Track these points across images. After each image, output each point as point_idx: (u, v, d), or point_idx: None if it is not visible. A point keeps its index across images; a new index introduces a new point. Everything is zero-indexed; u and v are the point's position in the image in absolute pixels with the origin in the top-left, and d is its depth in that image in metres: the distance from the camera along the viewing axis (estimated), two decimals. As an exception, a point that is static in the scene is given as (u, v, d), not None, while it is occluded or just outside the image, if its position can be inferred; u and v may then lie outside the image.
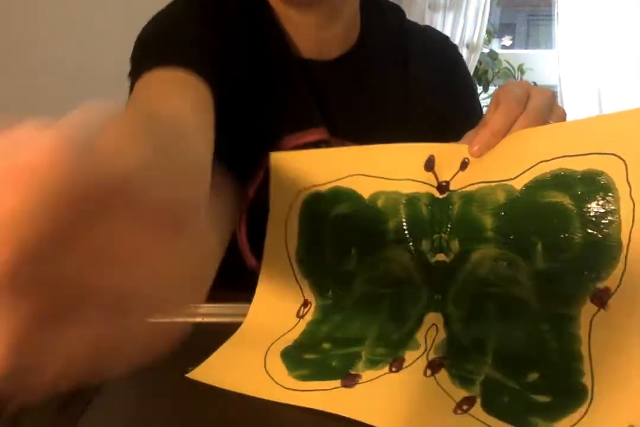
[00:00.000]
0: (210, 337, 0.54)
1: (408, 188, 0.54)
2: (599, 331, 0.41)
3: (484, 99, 2.43)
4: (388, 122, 0.78)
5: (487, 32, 2.47)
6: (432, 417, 0.42)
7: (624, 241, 0.42)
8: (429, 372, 0.46)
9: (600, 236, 0.43)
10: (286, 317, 0.56)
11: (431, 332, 0.49)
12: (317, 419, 0.44)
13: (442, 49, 0.86)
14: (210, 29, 0.68)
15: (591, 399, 0.39)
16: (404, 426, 0.42)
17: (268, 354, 0.52)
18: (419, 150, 0.54)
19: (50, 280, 0.20)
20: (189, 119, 0.49)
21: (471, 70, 2.34)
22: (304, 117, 0.74)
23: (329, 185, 0.57)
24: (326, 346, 0.52)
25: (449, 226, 0.51)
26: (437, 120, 0.79)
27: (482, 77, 2.48)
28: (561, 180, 0.45)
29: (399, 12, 0.85)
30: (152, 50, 0.65)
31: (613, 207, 0.42)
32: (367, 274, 0.55)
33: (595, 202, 0.43)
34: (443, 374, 0.45)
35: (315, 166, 0.58)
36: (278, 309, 0.56)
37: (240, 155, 0.69)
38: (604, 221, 0.43)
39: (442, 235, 0.52)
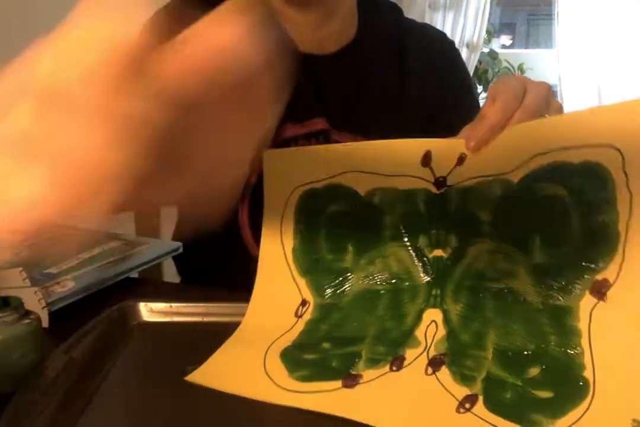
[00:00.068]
0: (210, 337, 0.54)
1: (405, 184, 0.53)
2: (599, 323, 0.41)
3: (484, 99, 2.43)
4: (385, 114, 0.79)
5: (487, 31, 2.46)
6: (435, 417, 0.42)
7: (622, 231, 0.42)
8: (430, 370, 0.46)
9: (597, 227, 0.43)
10: (284, 317, 0.55)
11: (431, 328, 0.49)
12: (318, 420, 0.44)
13: (440, 46, 0.87)
14: None
15: (593, 393, 0.39)
16: (405, 426, 0.42)
17: (267, 355, 0.51)
18: (416, 146, 0.53)
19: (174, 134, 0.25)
20: None
21: (471, 70, 2.34)
22: (304, 108, 0.76)
23: (324, 182, 0.56)
24: (326, 345, 0.51)
25: (446, 221, 0.51)
26: (433, 113, 0.81)
27: (482, 76, 2.47)
28: (558, 173, 0.45)
29: (396, 10, 0.86)
30: None
31: (610, 198, 0.42)
32: (364, 271, 0.54)
33: (592, 194, 0.43)
34: (444, 372, 0.45)
35: (310, 163, 0.57)
36: (276, 309, 0.56)
37: None
38: (601, 213, 0.43)
39: (440, 230, 0.51)
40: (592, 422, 0.38)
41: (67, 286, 0.65)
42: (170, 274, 1.01)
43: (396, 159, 0.54)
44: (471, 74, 2.26)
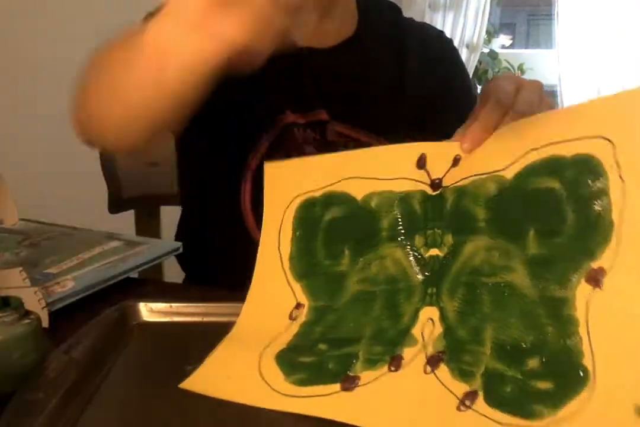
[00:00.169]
0: (210, 337, 0.54)
1: (401, 186, 0.54)
2: (596, 311, 0.41)
3: (484, 99, 2.44)
4: (384, 108, 0.81)
5: (487, 32, 2.46)
6: (436, 417, 0.42)
7: (616, 220, 0.42)
8: (428, 368, 0.46)
9: (591, 217, 0.43)
10: (278, 319, 0.55)
11: (427, 326, 0.48)
12: (317, 423, 0.44)
13: (439, 44, 0.88)
14: None
15: (594, 380, 0.39)
16: None
17: (262, 359, 0.51)
18: (410, 150, 0.54)
19: None
20: None
21: (471, 70, 2.34)
22: (304, 99, 0.78)
23: (322, 191, 0.57)
24: (322, 346, 0.51)
25: (442, 220, 0.52)
26: (432, 110, 0.82)
27: (482, 76, 2.48)
28: (551, 166, 0.46)
29: (396, 10, 0.88)
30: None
31: (603, 188, 0.43)
32: (360, 273, 0.54)
33: (586, 185, 0.44)
34: (443, 369, 0.45)
35: (308, 173, 0.59)
36: (270, 312, 0.56)
37: (244, 129, 0.75)
38: (595, 202, 0.43)
39: (435, 230, 0.52)
40: (594, 409, 0.38)
41: (67, 286, 0.65)
42: (170, 274, 1.01)
43: (391, 163, 0.55)
44: (471, 74, 2.26)
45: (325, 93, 0.79)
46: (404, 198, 0.54)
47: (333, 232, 0.57)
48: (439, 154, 0.53)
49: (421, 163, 0.54)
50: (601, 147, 0.44)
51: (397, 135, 0.81)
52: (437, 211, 0.52)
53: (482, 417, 0.41)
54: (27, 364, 0.47)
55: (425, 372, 0.45)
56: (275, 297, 0.57)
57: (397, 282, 0.52)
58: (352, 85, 0.81)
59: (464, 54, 2.30)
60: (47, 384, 0.45)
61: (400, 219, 0.54)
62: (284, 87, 0.77)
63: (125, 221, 1.09)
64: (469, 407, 0.42)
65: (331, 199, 0.57)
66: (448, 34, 2.33)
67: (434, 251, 0.52)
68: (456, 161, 0.52)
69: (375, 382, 0.46)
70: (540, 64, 2.62)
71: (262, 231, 0.60)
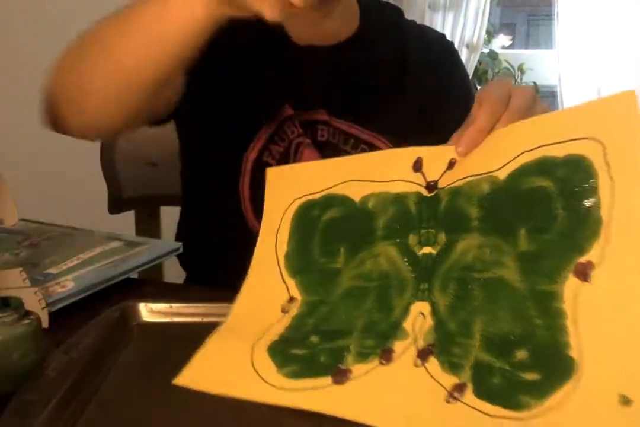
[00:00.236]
0: (210, 337, 0.54)
1: (397, 188, 0.56)
2: (584, 304, 0.43)
3: (484, 99, 2.43)
4: (384, 106, 0.82)
5: (487, 32, 2.46)
6: (425, 409, 0.43)
7: (605, 217, 0.44)
8: (418, 361, 0.46)
9: (581, 214, 0.45)
10: (271, 312, 0.56)
11: (418, 320, 0.49)
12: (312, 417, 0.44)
13: (440, 46, 0.90)
14: None
15: (580, 370, 0.40)
16: (397, 421, 0.43)
17: (254, 351, 0.51)
18: (407, 154, 0.57)
19: None
20: None
21: (471, 71, 2.34)
22: (304, 95, 0.79)
23: (321, 193, 0.59)
24: (314, 339, 0.51)
25: (436, 220, 0.53)
26: (431, 111, 0.84)
27: (482, 77, 2.47)
28: (543, 166, 0.48)
29: (397, 12, 0.90)
30: None
31: (593, 187, 0.45)
32: (354, 270, 0.55)
33: (577, 183, 0.46)
34: (433, 362, 0.46)
35: (309, 177, 0.61)
36: (262, 305, 0.57)
37: (243, 121, 0.77)
38: (585, 200, 0.45)
39: (429, 229, 0.53)
40: (579, 398, 0.39)
41: (67, 286, 0.65)
42: (170, 274, 1.01)
43: (389, 166, 0.57)
44: (471, 74, 2.26)
45: (325, 90, 0.80)
46: (400, 199, 0.55)
47: (330, 232, 0.58)
48: (435, 157, 0.55)
49: (417, 166, 0.56)
50: (592, 148, 0.45)
51: (397, 133, 0.82)
52: (431, 212, 0.53)
53: (471, 409, 0.42)
54: (27, 364, 0.48)
55: (415, 365, 0.46)
56: (268, 291, 0.58)
57: (390, 279, 0.53)
58: (352, 83, 0.82)
59: (464, 54, 2.30)
60: (47, 384, 0.45)
61: (395, 219, 0.55)
62: (284, 82, 0.78)
63: (125, 221, 1.09)
64: (457, 399, 0.43)
65: (330, 201, 0.59)
66: (448, 34, 2.33)
67: (427, 249, 0.53)
68: (451, 164, 0.54)
69: (366, 375, 0.47)
70: (540, 64, 2.62)
71: (260, 231, 0.61)
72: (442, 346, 0.47)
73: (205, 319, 0.59)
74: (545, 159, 0.48)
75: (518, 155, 0.49)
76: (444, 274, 0.50)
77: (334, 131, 0.81)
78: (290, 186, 0.61)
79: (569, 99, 1.99)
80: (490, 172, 0.50)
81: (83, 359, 0.49)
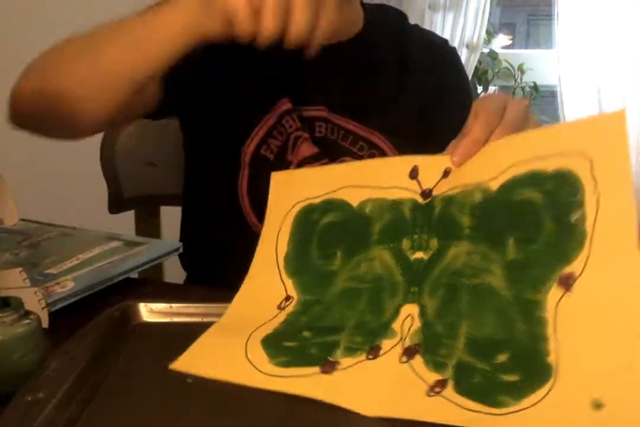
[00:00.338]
0: (210, 337, 0.54)
1: (394, 195, 0.58)
2: (565, 313, 0.45)
3: (484, 99, 2.43)
4: (384, 105, 0.83)
5: (487, 32, 2.46)
6: (406, 401, 0.45)
7: (589, 230, 0.46)
8: (404, 358, 0.49)
9: (567, 226, 0.47)
10: (267, 308, 0.58)
11: (407, 321, 0.51)
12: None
13: (442, 50, 0.91)
14: None
15: (556, 375, 0.42)
16: (379, 410, 0.45)
17: (249, 342, 0.53)
18: (404, 161, 0.59)
19: None
20: None
21: (471, 70, 2.34)
22: (304, 90, 0.80)
23: (321, 198, 0.62)
24: (306, 334, 0.54)
25: (429, 226, 0.55)
26: (430, 112, 0.85)
27: (482, 77, 2.47)
28: (533, 179, 0.50)
29: (401, 15, 0.91)
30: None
31: (580, 201, 0.47)
32: (349, 273, 0.57)
33: (564, 197, 0.48)
34: (418, 360, 0.48)
35: (311, 182, 0.63)
36: (260, 302, 0.59)
37: (242, 114, 0.79)
38: (571, 213, 0.47)
39: (422, 235, 0.55)
40: (553, 400, 0.41)
41: (67, 286, 0.65)
42: (170, 274, 1.01)
43: (387, 173, 0.60)
44: (471, 74, 2.26)
45: (325, 87, 0.81)
46: (396, 205, 0.58)
47: (328, 235, 0.60)
48: (431, 166, 0.57)
49: (414, 174, 0.58)
50: (580, 164, 0.48)
51: (396, 132, 0.83)
52: (425, 218, 0.56)
53: (450, 402, 0.44)
54: (27, 364, 0.48)
55: (400, 361, 0.49)
56: (266, 289, 0.60)
57: (383, 281, 0.55)
58: (352, 80, 0.83)
59: (464, 54, 2.30)
60: (47, 384, 0.45)
61: (390, 224, 0.57)
62: (284, 78, 0.80)
63: (125, 221, 1.09)
64: (438, 393, 0.45)
65: (329, 206, 0.61)
66: (448, 34, 2.33)
67: (419, 254, 0.55)
68: (446, 173, 0.56)
69: (352, 367, 0.49)
70: (540, 64, 2.62)
71: (262, 232, 0.63)
72: (427, 346, 0.49)
73: (205, 319, 0.59)
74: (535, 173, 0.50)
75: (510, 168, 0.52)
76: (434, 279, 0.53)
77: (332, 127, 0.82)
78: (293, 190, 0.64)
79: (568, 99, 1.99)
80: (482, 182, 0.53)
81: (83, 359, 0.49)
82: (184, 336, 0.56)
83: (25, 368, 0.47)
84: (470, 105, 0.60)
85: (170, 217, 1.09)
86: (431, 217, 0.55)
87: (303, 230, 0.61)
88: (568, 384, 0.41)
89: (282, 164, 0.80)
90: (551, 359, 0.43)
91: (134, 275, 0.73)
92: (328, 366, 0.49)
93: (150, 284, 0.76)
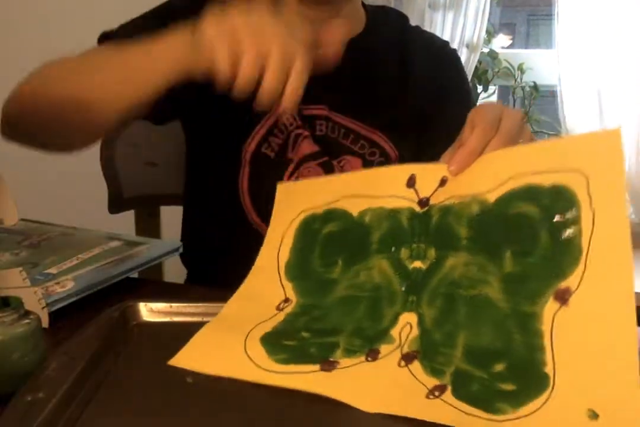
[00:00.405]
0: (210, 337, 0.54)
1: (391, 203, 0.59)
2: (561, 326, 0.45)
3: (484, 99, 2.43)
4: (384, 104, 0.84)
5: (487, 32, 2.46)
6: (406, 400, 0.45)
7: (585, 246, 0.47)
8: (402, 363, 0.49)
9: (563, 242, 0.48)
10: (265, 308, 0.58)
11: (405, 329, 0.52)
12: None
13: (442, 51, 0.92)
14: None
15: (553, 386, 0.43)
16: (380, 407, 0.45)
17: (248, 339, 0.54)
18: (402, 170, 0.60)
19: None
20: None
21: (471, 70, 2.34)
22: (304, 91, 0.78)
23: (324, 208, 0.63)
24: (305, 334, 0.54)
25: (427, 236, 0.56)
26: (430, 113, 0.85)
27: (482, 76, 2.47)
28: (530, 194, 0.51)
29: (403, 17, 0.92)
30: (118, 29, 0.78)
31: (576, 217, 0.48)
32: (349, 281, 0.58)
33: (560, 212, 0.49)
34: (416, 365, 0.49)
35: (314, 192, 0.64)
36: (258, 302, 0.59)
37: (243, 113, 0.76)
38: (567, 229, 0.48)
39: (420, 244, 0.56)
40: (552, 410, 0.42)
41: (67, 286, 0.65)
42: (170, 274, 1.01)
43: (384, 182, 0.61)
44: (471, 74, 2.26)
45: (326, 86, 0.81)
46: (394, 214, 0.58)
47: (329, 244, 0.61)
48: (428, 174, 0.58)
49: (411, 182, 0.59)
50: (576, 180, 0.49)
51: (397, 131, 0.83)
52: (423, 227, 0.56)
53: (449, 406, 0.44)
54: (27, 364, 0.48)
55: (399, 365, 0.49)
56: (266, 290, 0.60)
57: (381, 290, 0.56)
58: (354, 80, 0.83)
59: (464, 54, 2.30)
60: (47, 384, 0.45)
61: (389, 233, 0.58)
62: None
63: (125, 221, 1.08)
64: (437, 397, 0.45)
65: (330, 215, 0.62)
66: (448, 34, 2.33)
67: (417, 264, 0.55)
68: (443, 182, 0.57)
69: (352, 367, 0.50)
70: (540, 64, 2.62)
71: (265, 239, 0.64)
72: (425, 353, 0.49)
73: (205, 319, 0.59)
74: (532, 187, 0.51)
75: (507, 181, 0.52)
76: (432, 289, 0.53)
77: (333, 126, 0.82)
78: (297, 200, 0.65)
79: (568, 98, 1.99)
80: (479, 194, 0.54)
81: (83, 359, 0.49)
82: (184, 335, 0.56)
83: (25, 368, 0.47)
84: (469, 106, 0.61)
85: (170, 217, 1.09)
86: (428, 226, 0.56)
87: (305, 239, 0.62)
88: (565, 394, 0.42)
89: (283, 162, 0.80)
90: (548, 369, 0.44)
91: (134, 275, 0.73)
92: (327, 365, 0.50)
93: (150, 284, 0.76)
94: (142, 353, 0.54)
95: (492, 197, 0.53)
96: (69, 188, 1.61)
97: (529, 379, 0.45)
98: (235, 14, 0.55)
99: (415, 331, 0.52)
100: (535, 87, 2.44)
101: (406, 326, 0.52)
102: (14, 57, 1.66)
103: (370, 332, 0.53)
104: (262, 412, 0.46)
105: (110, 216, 1.06)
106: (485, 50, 2.49)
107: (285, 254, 0.62)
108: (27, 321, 0.48)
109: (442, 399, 0.45)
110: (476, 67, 2.38)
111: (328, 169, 0.81)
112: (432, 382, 0.47)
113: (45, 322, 0.58)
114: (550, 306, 0.47)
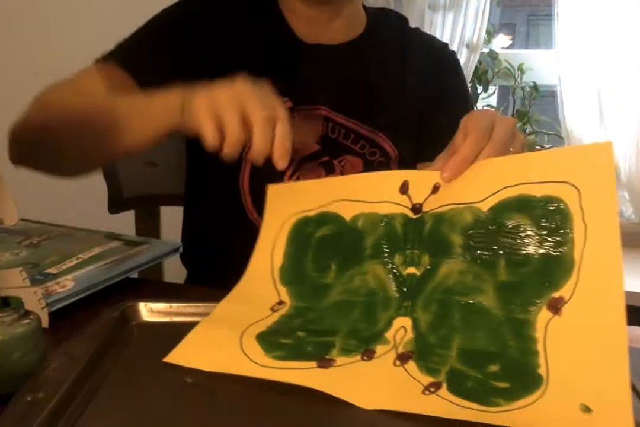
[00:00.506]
0: (210, 337, 0.54)
1: (385, 209, 0.59)
2: (554, 334, 0.47)
3: (483, 99, 2.43)
4: (384, 105, 0.85)
5: (487, 32, 2.46)
6: (403, 396, 0.46)
7: (577, 257, 0.48)
8: (398, 362, 0.50)
9: (556, 253, 0.49)
10: (260, 309, 0.58)
11: (400, 332, 0.53)
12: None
13: (442, 53, 0.92)
14: (191, 30, 0.80)
15: (547, 384, 0.44)
16: (377, 404, 0.45)
17: (243, 337, 0.54)
18: (395, 176, 0.60)
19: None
20: None
21: (471, 70, 2.34)
22: (305, 90, 0.82)
23: (316, 211, 0.63)
24: (301, 334, 0.54)
25: (420, 242, 0.56)
26: (429, 114, 0.86)
27: (482, 77, 2.47)
28: (523, 204, 0.52)
29: (402, 19, 0.93)
30: (116, 48, 0.80)
31: (568, 229, 0.49)
32: (343, 286, 0.58)
33: (553, 224, 0.50)
34: (411, 364, 0.49)
35: (305, 195, 0.64)
36: (252, 303, 0.59)
37: None
38: (559, 240, 0.49)
39: (414, 251, 0.56)
40: (545, 404, 0.43)
41: (67, 286, 0.65)
42: (170, 274, 1.01)
43: (377, 187, 0.61)
44: (471, 74, 2.26)
45: (326, 87, 0.82)
46: (387, 220, 0.59)
47: (322, 248, 0.61)
48: (420, 181, 0.58)
49: (404, 189, 0.59)
50: (568, 192, 0.50)
51: (396, 131, 0.83)
52: (416, 233, 0.57)
53: (445, 400, 0.45)
54: (27, 364, 0.48)
55: (394, 364, 0.50)
56: (260, 292, 0.60)
57: (376, 295, 0.56)
58: (354, 80, 0.84)
59: (464, 54, 2.30)
60: (47, 384, 0.45)
61: (382, 239, 0.59)
62: (284, 77, 0.80)
63: (125, 221, 1.08)
64: (433, 393, 0.46)
65: (323, 219, 0.62)
66: (448, 34, 2.33)
67: (411, 270, 0.56)
68: (435, 189, 0.57)
69: (348, 365, 0.50)
70: (540, 64, 2.61)
71: (257, 242, 0.64)
72: (420, 354, 0.50)
73: (205, 319, 0.59)
74: (525, 197, 0.52)
75: (499, 190, 0.53)
76: (427, 295, 0.54)
77: (333, 126, 0.82)
78: (289, 202, 0.64)
79: (568, 98, 1.99)
80: (472, 202, 0.54)
81: (83, 359, 0.49)
82: (184, 335, 0.56)
83: (25, 368, 0.47)
84: (468, 108, 0.61)
85: (170, 217, 1.09)
86: (422, 233, 0.56)
87: (298, 242, 0.62)
88: (558, 390, 0.44)
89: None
90: (542, 370, 0.46)
91: (134, 275, 0.73)
92: (324, 362, 0.50)
93: (150, 284, 0.76)
94: (142, 353, 0.54)
95: (485, 207, 0.54)
96: (69, 188, 1.61)
97: (523, 379, 0.46)
98: (219, 87, 0.60)
99: (410, 334, 0.52)
100: (535, 87, 2.44)
101: (400, 329, 0.53)
102: (14, 57, 1.66)
103: (365, 333, 0.53)
104: (262, 412, 0.46)
105: (110, 215, 1.06)
106: (485, 50, 2.49)
107: (279, 258, 0.62)
108: (27, 321, 0.48)
109: (437, 395, 0.46)
110: (476, 68, 2.38)
111: (329, 169, 0.81)
112: (428, 379, 0.47)
113: (45, 322, 0.58)
114: (543, 315, 0.48)
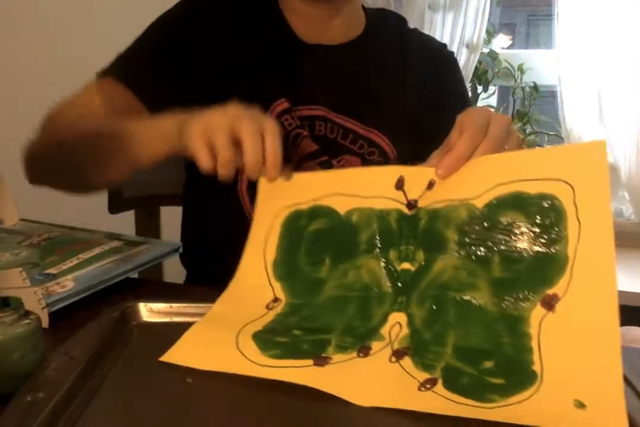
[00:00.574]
0: (210, 337, 0.54)
1: (380, 204, 0.59)
2: (548, 330, 0.47)
3: (483, 99, 2.43)
4: (383, 105, 0.85)
5: (487, 32, 2.46)
6: (399, 393, 0.47)
7: (570, 255, 0.49)
8: (393, 359, 0.50)
9: (550, 250, 0.50)
10: (255, 308, 0.58)
11: (395, 328, 0.53)
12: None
13: (440, 53, 0.93)
14: (190, 34, 0.80)
15: (541, 380, 0.45)
16: (373, 401, 0.46)
17: (239, 336, 0.54)
18: (390, 172, 0.60)
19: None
20: None
21: (471, 71, 2.34)
22: (303, 90, 0.82)
23: (309, 204, 0.62)
24: (296, 332, 0.55)
25: (415, 238, 0.56)
26: (428, 114, 0.86)
27: (482, 77, 2.47)
28: (518, 201, 0.52)
29: (401, 20, 0.93)
30: (117, 60, 0.82)
31: (562, 226, 0.49)
32: (337, 280, 0.58)
33: (547, 221, 0.50)
34: (407, 361, 0.50)
35: (298, 187, 0.63)
36: (248, 301, 0.59)
37: None
38: (553, 237, 0.50)
39: (409, 246, 0.57)
40: (540, 399, 0.44)
41: (67, 286, 0.65)
42: (170, 274, 1.01)
43: (373, 182, 0.61)
44: (471, 74, 2.26)
45: (325, 87, 0.82)
46: (382, 215, 0.59)
47: (316, 242, 0.61)
48: (416, 177, 0.58)
49: (399, 184, 0.59)
50: (563, 189, 0.50)
51: (395, 131, 0.83)
52: (411, 229, 0.57)
53: (440, 397, 0.46)
54: (27, 364, 0.48)
55: (390, 361, 0.50)
56: (254, 289, 0.60)
57: (371, 290, 0.56)
58: (353, 81, 0.84)
59: (464, 54, 2.30)
60: (47, 384, 0.45)
61: (377, 234, 0.58)
62: (285, 76, 0.81)
63: (125, 221, 1.08)
64: (429, 389, 0.47)
65: (316, 212, 0.62)
66: (448, 34, 2.33)
67: (406, 265, 0.56)
68: (431, 185, 0.57)
69: (344, 362, 0.50)
70: (540, 64, 2.61)
71: (249, 236, 0.64)
72: (416, 350, 0.50)
73: (205, 319, 0.59)
74: (519, 195, 0.52)
75: (494, 187, 0.53)
76: (422, 291, 0.54)
77: (332, 126, 0.82)
78: (282, 194, 0.64)
79: (568, 99, 1.99)
80: (467, 199, 0.54)
81: (83, 359, 0.49)
82: (184, 336, 0.55)
83: (25, 368, 0.47)
84: (466, 107, 0.61)
85: (170, 217, 1.09)
86: (417, 228, 0.57)
87: (291, 236, 0.62)
88: (553, 387, 0.45)
89: (283, 162, 0.80)
90: (536, 367, 0.46)
91: (134, 275, 0.73)
92: (320, 360, 0.51)
93: (150, 284, 0.76)
94: (142, 353, 0.54)
95: (479, 203, 0.54)
96: (69, 188, 1.61)
97: (517, 375, 0.46)
98: (213, 112, 0.62)
99: (405, 330, 0.52)
100: (535, 87, 2.44)
101: (396, 325, 0.53)
102: (14, 57, 1.66)
103: (361, 330, 0.54)
104: (261, 412, 0.46)
105: (110, 215, 1.06)
106: (485, 50, 2.49)
107: (271, 252, 0.62)
108: (27, 321, 0.48)
109: (433, 391, 0.46)
110: (476, 68, 2.38)
111: (328, 169, 0.81)
112: (423, 376, 0.48)
113: (45, 322, 0.58)
114: (537, 311, 0.49)
